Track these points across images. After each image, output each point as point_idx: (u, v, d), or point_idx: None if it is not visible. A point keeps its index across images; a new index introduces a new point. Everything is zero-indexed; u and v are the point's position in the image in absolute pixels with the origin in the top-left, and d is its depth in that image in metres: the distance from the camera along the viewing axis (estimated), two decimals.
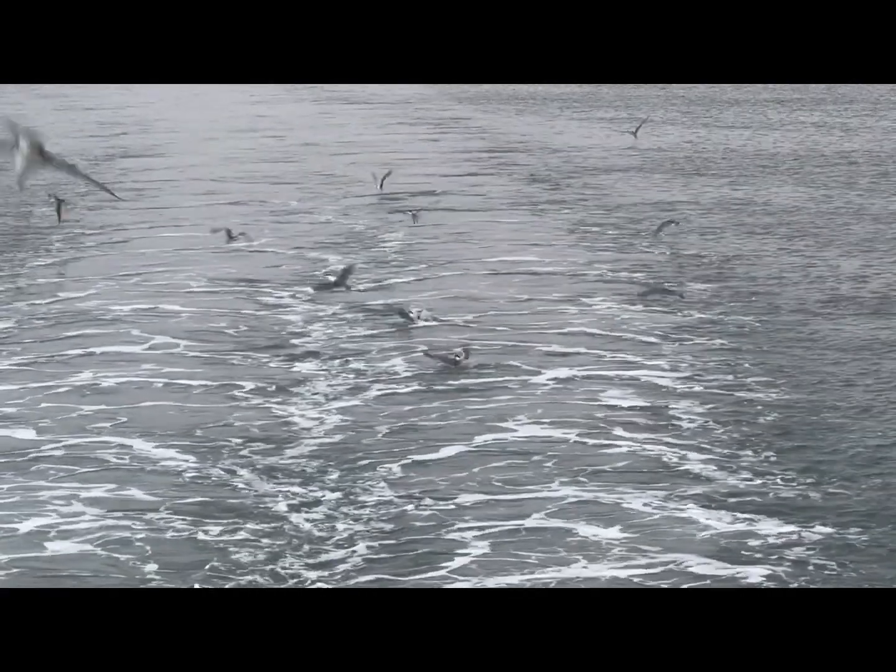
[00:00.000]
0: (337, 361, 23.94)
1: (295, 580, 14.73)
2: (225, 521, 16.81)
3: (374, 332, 26.04)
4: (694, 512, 17.00)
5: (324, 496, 17.62)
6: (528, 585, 13.45)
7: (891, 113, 67.64)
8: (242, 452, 19.33)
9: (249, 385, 22.51)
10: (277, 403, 21.63)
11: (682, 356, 23.90)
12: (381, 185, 40.76)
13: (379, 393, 22.07)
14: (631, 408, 21.09)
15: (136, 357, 24.37)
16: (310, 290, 28.27)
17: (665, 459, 18.90)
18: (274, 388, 22.37)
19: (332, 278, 26.79)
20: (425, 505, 17.21)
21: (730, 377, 22.63)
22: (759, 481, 17.94)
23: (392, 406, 21.32)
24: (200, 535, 16.35)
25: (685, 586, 12.58)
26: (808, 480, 17.84)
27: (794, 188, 42.57)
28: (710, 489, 17.69)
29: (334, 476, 18.40)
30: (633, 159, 50.45)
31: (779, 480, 17.95)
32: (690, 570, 15.11)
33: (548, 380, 22.60)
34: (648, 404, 21.23)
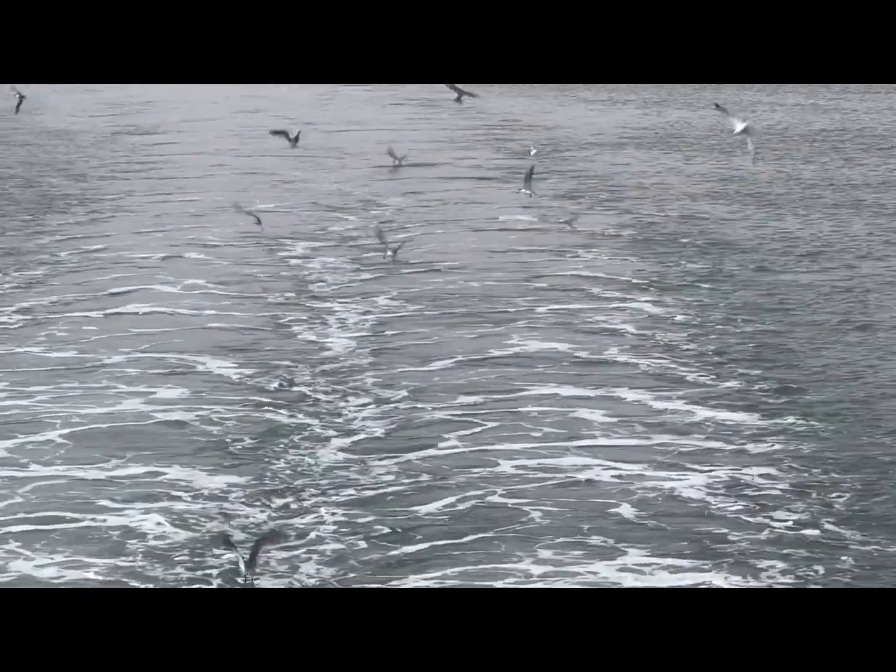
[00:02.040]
0: (350, 300, 26.52)
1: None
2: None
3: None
4: (677, 404, 19.65)
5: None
6: (528, 585, 13.27)
7: None
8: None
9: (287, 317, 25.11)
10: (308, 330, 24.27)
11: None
12: (399, 161, 42.42)
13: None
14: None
15: (173, 294, 26.86)
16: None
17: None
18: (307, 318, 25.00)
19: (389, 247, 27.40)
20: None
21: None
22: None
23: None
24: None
25: (685, 587, 12.60)
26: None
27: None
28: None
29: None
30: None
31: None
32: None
33: (547, 310, 25.21)
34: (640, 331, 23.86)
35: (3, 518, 15.94)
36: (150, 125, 55.50)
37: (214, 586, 13.00)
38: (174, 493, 16.77)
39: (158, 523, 15.85)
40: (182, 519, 15.99)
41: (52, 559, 14.78)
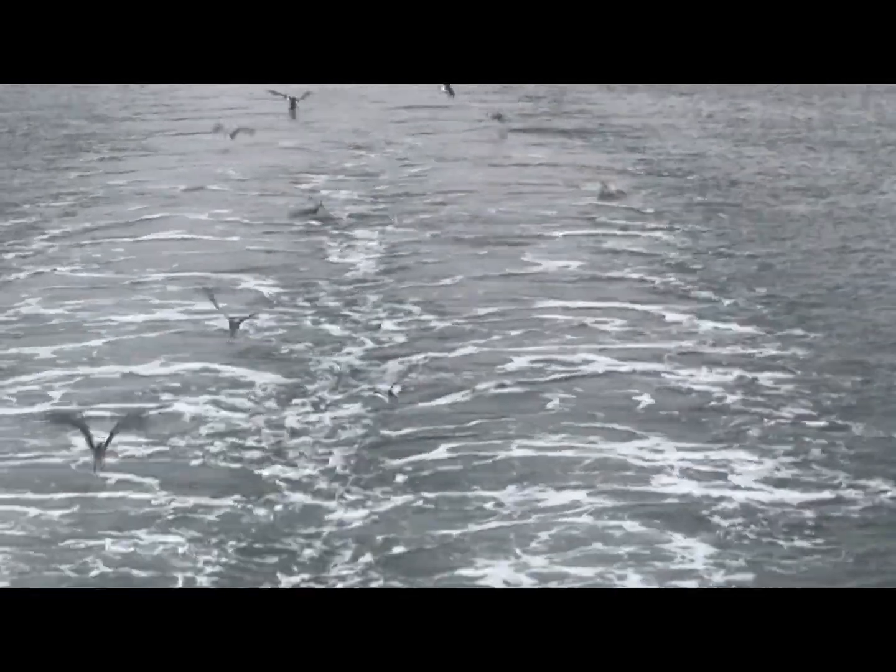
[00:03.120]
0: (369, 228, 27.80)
1: None
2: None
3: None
4: (685, 316, 20.91)
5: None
6: (529, 585, 12.99)
7: None
8: None
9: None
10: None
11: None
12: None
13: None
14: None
15: (202, 221, 28.07)
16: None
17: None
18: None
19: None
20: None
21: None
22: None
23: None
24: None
25: (684, 586, 12.52)
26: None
27: None
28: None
29: None
30: None
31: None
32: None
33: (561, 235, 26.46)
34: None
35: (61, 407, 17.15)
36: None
37: (214, 586, 12.83)
38: (218, 387, 18.10)
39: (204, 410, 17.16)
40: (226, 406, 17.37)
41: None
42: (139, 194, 31.18)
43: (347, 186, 32.19)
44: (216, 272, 23.88)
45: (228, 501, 14.62)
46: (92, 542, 13.66)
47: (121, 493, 14.80)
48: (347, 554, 13.48)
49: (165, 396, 17.68)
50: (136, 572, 13.10)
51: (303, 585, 12.82)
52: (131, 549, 13.52)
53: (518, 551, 13.47)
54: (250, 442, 16.25)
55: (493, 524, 14.07)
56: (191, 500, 14.59)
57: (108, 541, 13.67)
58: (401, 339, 20.29)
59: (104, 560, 13.31)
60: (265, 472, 15.41)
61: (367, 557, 13.41)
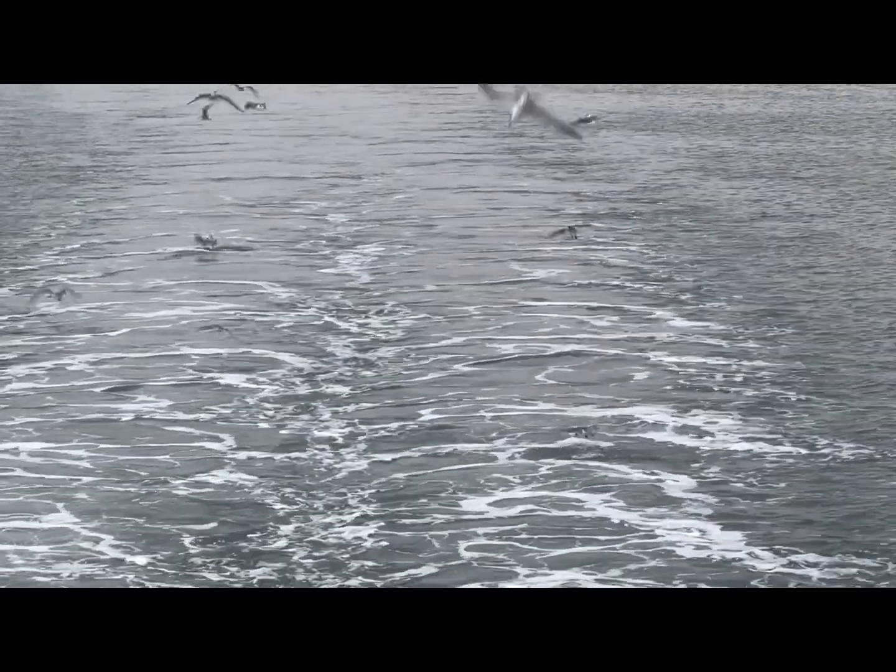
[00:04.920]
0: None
1: None
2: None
3: None
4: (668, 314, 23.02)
5: None
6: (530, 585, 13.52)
7: None
8: None
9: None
10: None
11: None
12: None
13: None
14: None
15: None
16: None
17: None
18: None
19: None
20: None
21: None
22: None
23: None
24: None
25: (684, 587, 12.97)
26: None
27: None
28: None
29: None
30: None
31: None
32: None
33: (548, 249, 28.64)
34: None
35: None
36: (157, 108, 58.22)
37: (214, 586, 13.48)
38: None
39: None
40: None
41: None
42: (143, 216, 33.28)
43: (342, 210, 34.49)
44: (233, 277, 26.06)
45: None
46: None
47: None
48: None
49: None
50: None
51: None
52: None
53: None
54: None
55: None
56: None
57: None
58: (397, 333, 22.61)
59: None
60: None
61: None
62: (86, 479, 16.04)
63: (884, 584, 13.13)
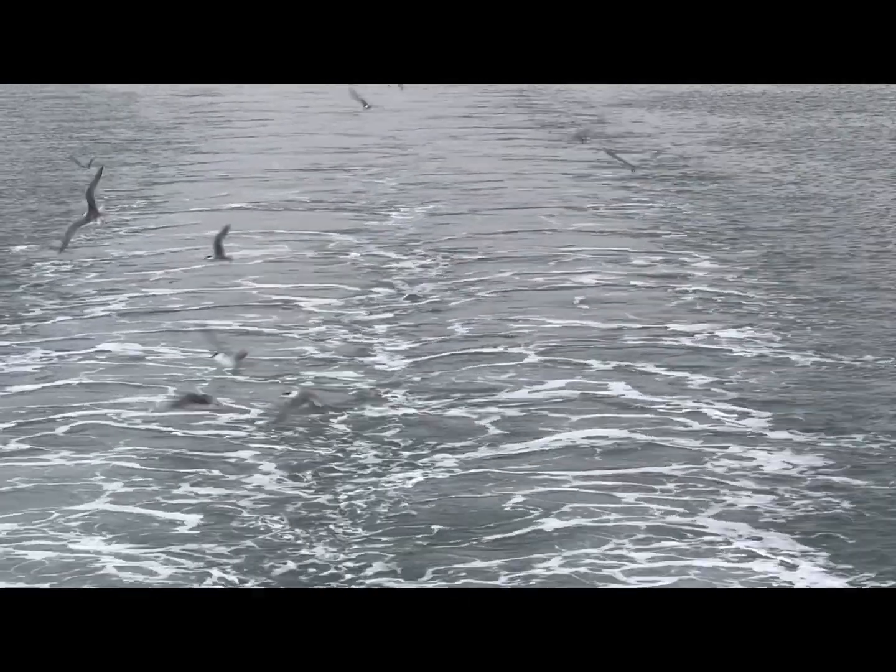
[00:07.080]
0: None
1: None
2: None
3: None
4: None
5: None
6: (531, 584, 13.55)
7: None
8: None
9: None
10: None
11: None
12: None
13: None
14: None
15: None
16: None
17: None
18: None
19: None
20: None
21: None
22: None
23: None
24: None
25: (684, 587, 13.06)
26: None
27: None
28: None
29: None
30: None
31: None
32: None
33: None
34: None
35: None
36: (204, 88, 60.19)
37: (213, 586, 13.45)
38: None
39: None
40: None
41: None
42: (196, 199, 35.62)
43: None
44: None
45: None
46: None
47: None
48: None
49: None
50: None
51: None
52: None
53: None
54: None
55: None
56: None
57: None
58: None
59: None
60: None
61: None
62: None
63: (885, 585, 13.26)
